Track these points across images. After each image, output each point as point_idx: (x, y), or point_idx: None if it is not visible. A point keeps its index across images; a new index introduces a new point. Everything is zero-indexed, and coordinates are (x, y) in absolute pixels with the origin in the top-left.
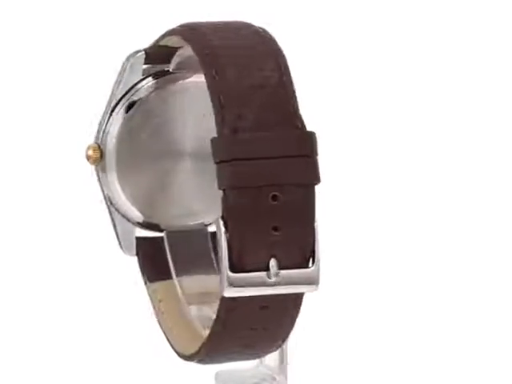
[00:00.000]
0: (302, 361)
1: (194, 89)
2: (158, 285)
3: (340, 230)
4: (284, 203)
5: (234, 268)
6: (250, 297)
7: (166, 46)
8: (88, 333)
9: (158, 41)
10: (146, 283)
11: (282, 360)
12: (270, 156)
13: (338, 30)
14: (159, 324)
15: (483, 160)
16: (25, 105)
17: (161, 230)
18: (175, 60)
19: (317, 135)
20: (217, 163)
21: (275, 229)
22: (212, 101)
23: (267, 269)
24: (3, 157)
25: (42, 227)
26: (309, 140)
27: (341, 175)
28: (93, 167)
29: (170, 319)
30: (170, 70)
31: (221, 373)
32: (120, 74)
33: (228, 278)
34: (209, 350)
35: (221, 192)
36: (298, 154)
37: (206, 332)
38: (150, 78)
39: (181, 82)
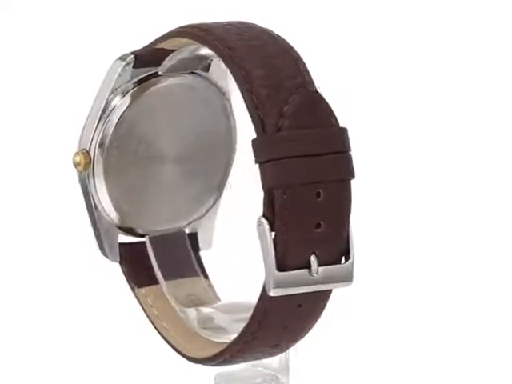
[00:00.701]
0: (302, 361)
1: (181, 91)
2: (148, 290)
3: None
4: (326, 200)
5: (279, 267)
6: (288, 295)
7: (162, 49)
8: (87, 333)
9: (155, 43)
10: (133, 289)
11: (284, 360)
12: (312, 153)
13: (338, 30)
14: (155, 327)
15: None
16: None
17: (143, 236)
18: (167, 63)
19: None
20: (260, 163)
21: (318, 225)
22: (246, 101)
23: (308, 266)
24: None
25: (36, 230)
26: (344, 136)
27: None
28: (78, 173)
29: (166, 322)
30: (159, 73)
31: (221, 373)
32: (108, 77)
33: (275, 277)
34: (237, 352)
35: (263, 191)
36: (337, 151)
37: (207, 332)
38: (137, 82)
39: (168, 84)
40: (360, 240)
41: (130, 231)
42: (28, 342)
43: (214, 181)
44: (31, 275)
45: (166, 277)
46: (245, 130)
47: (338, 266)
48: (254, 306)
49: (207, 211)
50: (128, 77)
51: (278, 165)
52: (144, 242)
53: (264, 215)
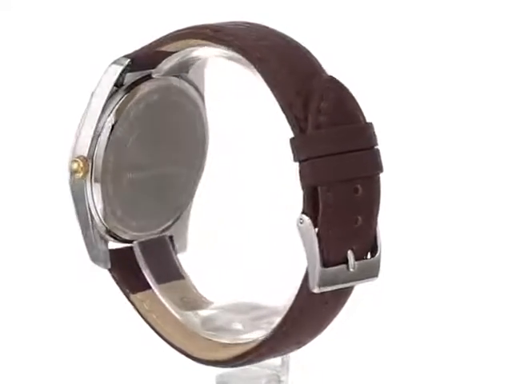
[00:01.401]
0: (303, 361)
1: (166, 95)
2: (143, 295)
3: None
4: (363, 195)
5: (323, 263)
6: (322, 292)
7: (161, 51)
8: (86, 334)
9: (158, 45)
10: (128, 295)
11: (284, 360)
12: (347, 150)
13: (338, 30)
14: (155, 331)
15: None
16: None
17: (131, 241)
18: (164, 66)
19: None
20: (300, 161)
21: (356, 221)
22: (279, 101)
23: (346, 261)
24: None
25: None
26: (372, 132)
27: None
28: (73, 180)
29: (167, 326)
30: (154, 77)
31: (222, 373)
32: (102, 82)
33: (320, 273)
34: (264, 352)
35: (302, 189)
36: (368, 147)
37: (210, 333)
38: (129, 88)
39: (164, 87)
40: None
41: (121, 237)
42: (28, 345)
43: (188, 184)
44: (25, 284)
45: (158, 280)
46: (218, 133)
47: (368, 260)
48: (256, 305)
49: (181, 215)
50: (122, 81)
51: (320, 162)
52: (131, 248)
53: (304, 212)
